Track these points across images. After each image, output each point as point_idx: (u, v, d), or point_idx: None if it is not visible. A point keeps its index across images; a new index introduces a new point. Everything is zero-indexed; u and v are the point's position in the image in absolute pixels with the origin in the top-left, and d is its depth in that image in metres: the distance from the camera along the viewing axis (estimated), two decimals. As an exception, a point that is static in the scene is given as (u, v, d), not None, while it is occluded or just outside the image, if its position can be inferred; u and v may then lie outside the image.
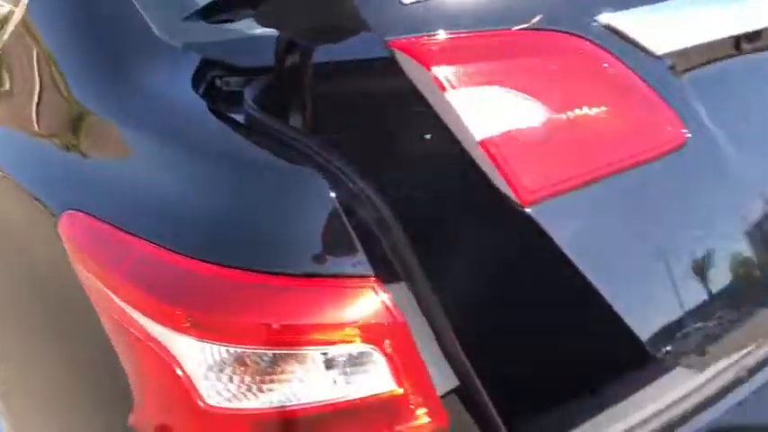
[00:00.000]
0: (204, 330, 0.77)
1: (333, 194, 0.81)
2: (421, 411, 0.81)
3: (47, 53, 1.12)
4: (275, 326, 0.77)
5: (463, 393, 0.84)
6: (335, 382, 0.78)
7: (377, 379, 0.80)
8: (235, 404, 0.77)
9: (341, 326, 0.78)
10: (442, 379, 0.83)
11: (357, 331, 0.78)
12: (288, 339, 0.77)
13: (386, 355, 0.79)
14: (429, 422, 0.81)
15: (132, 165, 0.94)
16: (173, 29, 1.02)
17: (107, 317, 0.84)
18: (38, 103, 1.12)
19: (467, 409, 0.85)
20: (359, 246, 0.80)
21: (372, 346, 0.79)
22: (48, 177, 1.03)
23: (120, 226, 0.84)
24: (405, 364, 0.80)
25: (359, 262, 0.80)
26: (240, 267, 0.78)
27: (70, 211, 0.91)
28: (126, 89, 0.99)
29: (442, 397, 0.82)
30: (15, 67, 1.20)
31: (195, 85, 0.97)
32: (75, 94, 1.05)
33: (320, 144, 0.85)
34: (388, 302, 0.80)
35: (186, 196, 0.86)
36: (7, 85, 1.23)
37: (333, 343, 0.78)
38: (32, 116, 1.13)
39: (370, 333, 0.79)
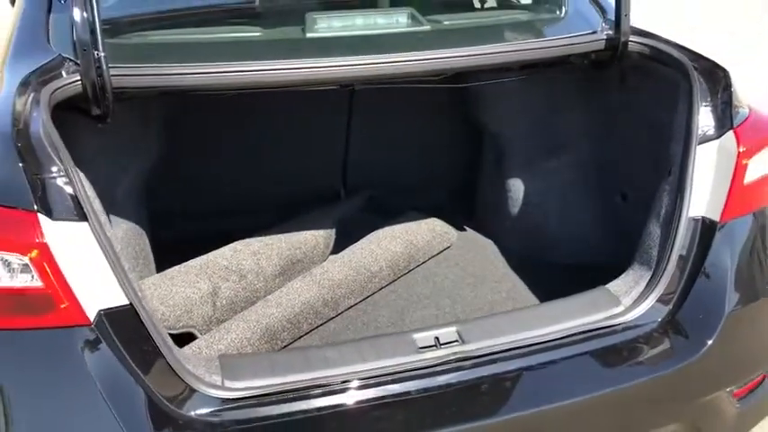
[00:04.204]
0: None
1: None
2: (63, 306, 1.38)
3: None
4: None
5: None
6: (10, 274, 1.37)
7: (31, 277, 1.37)
8: None
9: (11, 240, 1.36)
10: (103, 295, 1.42)
11: (20, 245, 1.36)
12: None
13: (34, 263, 1.36)
14: (70, 314, 1.38)
15: None
16: None
17: None
18: None
19: (126, 321, 1.43)
20: (35, 193, 1.38)
21: (28, 256, 1.36)
22: None
23: None
24: (47, 273, 1.36)
25: (29, 201, 1.37)
26: None
27: None
28: None
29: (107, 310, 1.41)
30: None
31: None
32: None
33: None
34: (41, 231, 1.36)
35: None
36: None
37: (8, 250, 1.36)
38: None
39: (26, 247, 1.36)
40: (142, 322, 1.43)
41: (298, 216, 2.47)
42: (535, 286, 2.34)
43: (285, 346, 2.07)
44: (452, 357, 1.61)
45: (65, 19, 1.84)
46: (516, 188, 2.56)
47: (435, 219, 2.65)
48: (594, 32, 2.07)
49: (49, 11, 1.88)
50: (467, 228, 2.74)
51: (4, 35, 1.96)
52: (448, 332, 1.67)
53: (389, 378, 1.55)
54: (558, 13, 2.26)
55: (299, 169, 2.66)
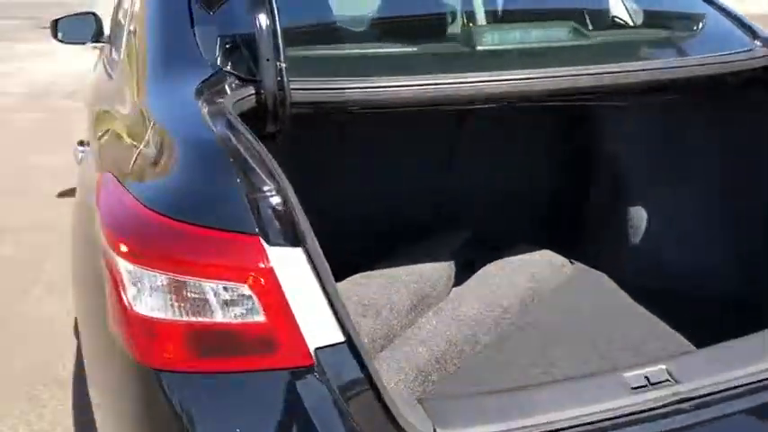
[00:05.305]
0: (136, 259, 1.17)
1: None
2: (287, 344, 1.16)
3: None
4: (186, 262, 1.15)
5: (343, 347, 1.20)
6: (222, 307, 1.15)
7: (249, 310, 1.15)
8: (152, 314, 1.16)
9: (227, 266, 1.15)
10: (320, 330, 1.19)
11: (239, 272, 1.15)
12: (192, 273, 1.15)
13: (257, 294, 1.14)
14: (292, 355, 1.16)
15: None
16: None
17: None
18: None
19: (341, 360, 1.20)
20: (253, 213, 1.18)
21: (248, 286, 1.14)
22: None
23: None
24: (272, 306, 1.15)
25: (251, 224, 1.17)
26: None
27: None
28: None
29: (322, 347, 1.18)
30: None
31: None
32: None
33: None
34: (266, 256, 1.15)
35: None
36: None
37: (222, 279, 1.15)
38: None
39: (247, 274, 1.14)
40: (360, 361, 1.24)
41: (410, 247, 2.31)
42: (671, 320, 2.20)
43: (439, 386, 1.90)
44: (671, 399, 1.45)
45: (214, 31, 1.69)
46: (633, 217, 2.44)
47: (547, 250, 2.51)
48: (751, 50, 1.97)
49: (192, 23, 1.72)
50: (574, 260, 2.60)
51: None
52: (657, 370, 1.52)
53: (613, 422, 1.39)
54: (697, 28, 2.17)
55: (399, 196, 2.52)
